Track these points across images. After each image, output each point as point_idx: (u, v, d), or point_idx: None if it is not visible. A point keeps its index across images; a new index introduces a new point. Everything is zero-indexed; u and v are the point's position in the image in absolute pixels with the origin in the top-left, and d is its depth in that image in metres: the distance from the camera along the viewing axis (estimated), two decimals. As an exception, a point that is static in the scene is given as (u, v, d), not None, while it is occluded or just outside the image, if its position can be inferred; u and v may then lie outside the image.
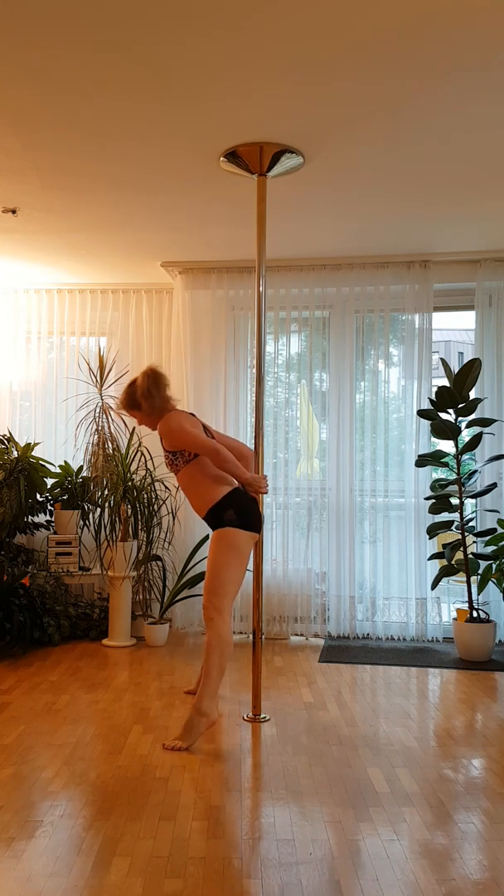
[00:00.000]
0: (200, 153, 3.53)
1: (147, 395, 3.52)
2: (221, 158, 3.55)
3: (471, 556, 4.77)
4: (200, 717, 3.23)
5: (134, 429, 5.32)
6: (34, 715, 3.60)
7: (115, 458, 5.13)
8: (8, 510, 4.92)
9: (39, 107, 3.09)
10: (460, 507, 4.78)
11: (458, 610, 4.92)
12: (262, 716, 3.59)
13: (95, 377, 5.44)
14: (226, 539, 3.42)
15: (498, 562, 4.63)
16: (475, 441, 4.74)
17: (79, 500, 5.35)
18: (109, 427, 5.30)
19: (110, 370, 5.46)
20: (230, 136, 3.36)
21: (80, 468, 5.36)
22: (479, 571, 4.74)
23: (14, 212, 4.24)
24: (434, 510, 4.82)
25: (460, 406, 4.76)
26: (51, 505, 5.44)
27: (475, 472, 4.90)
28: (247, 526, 3.45)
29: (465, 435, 5.08)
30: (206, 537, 5.10)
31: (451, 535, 4.94)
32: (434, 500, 4.83)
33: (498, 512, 5.05)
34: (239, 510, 3.45)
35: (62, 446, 5.68)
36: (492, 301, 5.20)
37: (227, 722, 3.54)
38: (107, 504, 4.99)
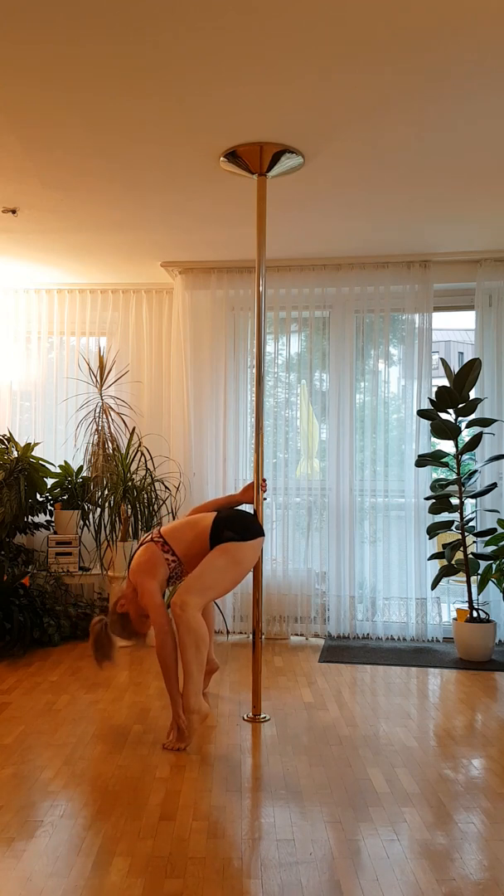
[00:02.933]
0: (200, 153, 3.53)
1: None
2: (221, 158, 3.55)
3: (471, 556, 4.77)
4: (191, 714, 3.22)
5: (134, 429, 5.32)
6: (34, 715, 3.60)
7: (115, 458, 5.13)
8: (8, 510, 4.92)
9: (39, 107, 3.09)
10: (460, 507, 4.78)
11: (458, 610, 4.92)
12: (262, 716, 3.59)
13: (95, 377, 5.44)
14: (228, 552, 3.40)
15: (498, 562, 4.63)
16: (475, 441, 4.74)
17: (79, 500, 5.35)
18: (109, 427, 5.30)
19: (110, 370, 5.46)
20: (230, 136, 3.36)
21: (80, 468, 5.36)
22: (479, 571, 4.74)
23: (14, 212, 4.25)
24: (434, 510, 4.82)
25: (460, 406, 4.76)
26: (51, 505, 5.44)
27: (475, 472, 4.90)
28: (247, 536, 3.44)
29: (465, 435, 5.08)
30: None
31: (451, 535, 4.94)
32: (434, 500, 4.83)
33: (498, 512, 5.05)
34: (232, 526, 3.45)
35: (62, 446, 5.68)
36: (492, 301, 5.20)
37: (226, 722, 3.54)
38: (107, 504, 4.99)
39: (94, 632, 3.50)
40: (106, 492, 5.01)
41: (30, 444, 5.29)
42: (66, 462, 5.48)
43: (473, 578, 4.84)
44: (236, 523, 3.46)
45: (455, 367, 15.71)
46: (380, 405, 5.28)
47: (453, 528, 4.81)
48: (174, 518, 5.28)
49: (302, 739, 3.32)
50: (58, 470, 5.48)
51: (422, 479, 5.16)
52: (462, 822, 2.56)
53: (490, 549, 4.83)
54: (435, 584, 4.86)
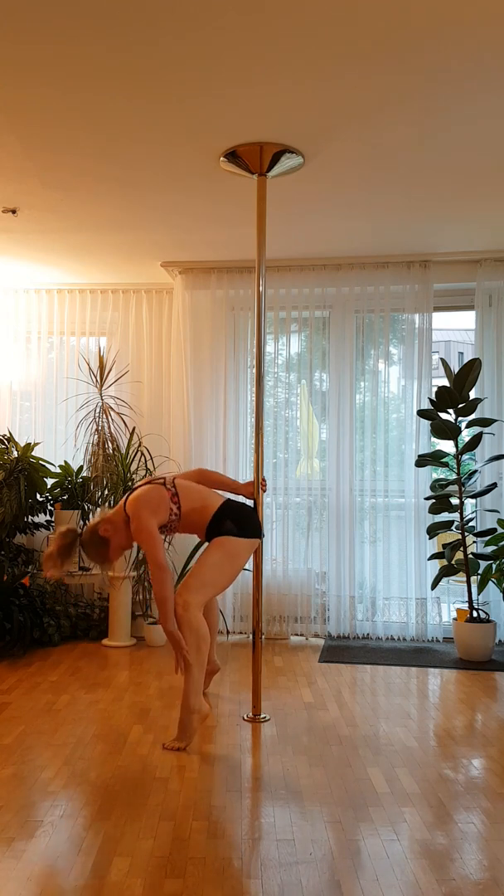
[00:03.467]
0: (200, 153, 3.53)
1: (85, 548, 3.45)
2: (221, 158, 3.55)
3: (471, 556, 4.77)
4: (191, 714, 3.22)
5: (134, 429, 5.32)
6: (34, 715, 3.60)
7: (115, 458, 5.12)
8: (8, 510, 4.92)
9: (40, 107, 3.09)
10: (460, 507, 4.78)
11: (458, 610, 4.92)
12: (262, 716, 3.59)
13: (95, 377, 5.44)
14: (224, 546, 3.40)
15: (498, 562, 4.63)
16: (475, 441, 4.74)
17: (79, 500, 5.35)
18: (109, 427, 5.30)
19: (110, 370, 5.46)
20: (230, 136, 3.36)
21: (80, 468, 5.36)
22: (479, 571, 4.74)
23: (14, 212, 4.24)
24: (434, 510, 4.82)
25: (460, 406, 4.76)
26: (51, 505, 5.44)
27: (475, 472, 4.90)
28: (246, 533, 3.44)
29: (465, 435, 5.08)
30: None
31: (451, 535, 4.94)
32: (434, 500, 4.83)
33: (498, 512, 5.05)
34: (236, 519, 3.44)
35: (62, 446, 5.68)
36: (492, 301, 5.20)
37: (226, 722, 3.54)
38: (107, 504, 4.99)
39: (68, 537, 3.38)
40: (106, 492, 5.01)
41: (30, 444, 5.29)
42: (66, 462, 5.47)
43: (473, 578, 4.84)
44: (240, 517, 3.46)
45: (455, 367, 15.69)
46: (380, 405, 5.28)
47: (453, 528, 4.81)
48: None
49: (302, 739, 3.32)
50: (58, 470, 5.48)
51: (422, 479, 5.16)
52: (462, 822, 2.56)
53: (490, 549, 4.83)
54: (435, 584, 4.86)
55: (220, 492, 3.64)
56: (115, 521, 3.43)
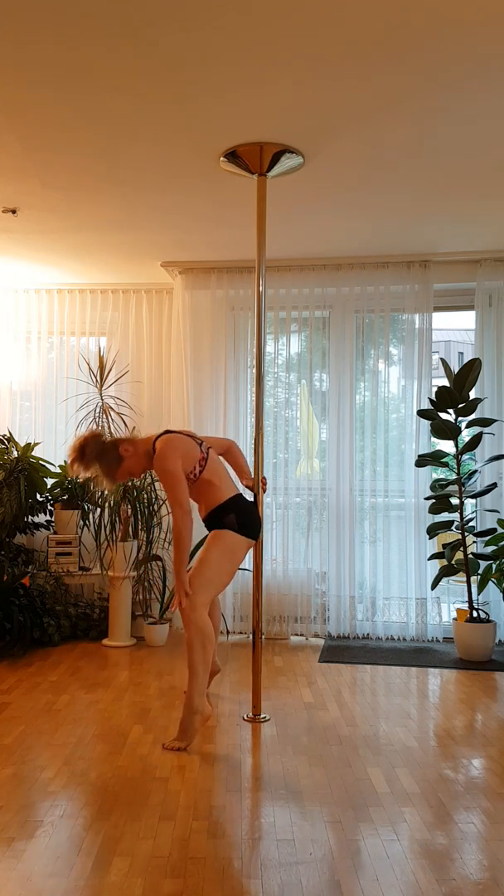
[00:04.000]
0: (200, 153, 3.53)
1: (98, 458, 3.43)
2: (221, 158, 3.55)
3: (471, 556, 4.77)
4: (193, 714, 3.22)
5: (134, 429, 5.31)
6: (34, 715, 3.60)
7: (115, 458, 5.12)
8: (8, 510, 4.92)
9: (39, 107, 3.09)
10: (460, 507, 4.78)
11: (458, 610, 4.92)
12: (262, 716, 3.59)
13: (95, 377, 5.44)
14: (223, 540, 3.42)
15: (498, 562, 4.63)
16: (475, 441, 4.74)
17: (79, 500, 5.35)
18: (109, 427, 5.30)
19: (110, 370, 5.46)
20: (230, 136, 3.36)
21: (80, 468, 5.35)
22: (479, 571, 4.74)
23: (14, 212, 4.24)
24: (434, 510, 4.82)
25: (460, 406, 4.76)
26: (51, 505, 5.44)
27: (475, 472, 4.90)
28: (245, 532, 3.45)
29: (465, 435, 5.08)
30: (206, 537, 5.09)
31: (451, 535, 4.94)
32: (434, 500, 4.83)
33: (498, 512, 5.05)
34: (240, 515, 3.46)
35: (62, 446, 5.67)
36: (492, 301, 5.20)
37: (226, 722, 3.54)
38: (107, 504, 4.99)
39: (95, 433, 3.42)
40: (106, 492, 5.01)
41: (30, 444, 5.29)
42: (66, 462, 5.47)
43: (473, 578, 4.84)
44: (244, 515, 3.47)
45: (455, 367, 15.68)
46: (380, 405, 5.28)
47: (453, 528, 4.81)
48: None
49: (302, 739, 3.32)
50: (58, 470, 5.48)
51: (422, 479, 5.16)
52: (462, 822, 2.56)
53: (490, 549, 4.83)
54: (435, 584, 4.86)
55: (236, 483, 3.67)
56: (138, 446, 3.45)
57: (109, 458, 3.42)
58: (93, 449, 3.39)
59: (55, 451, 5.68)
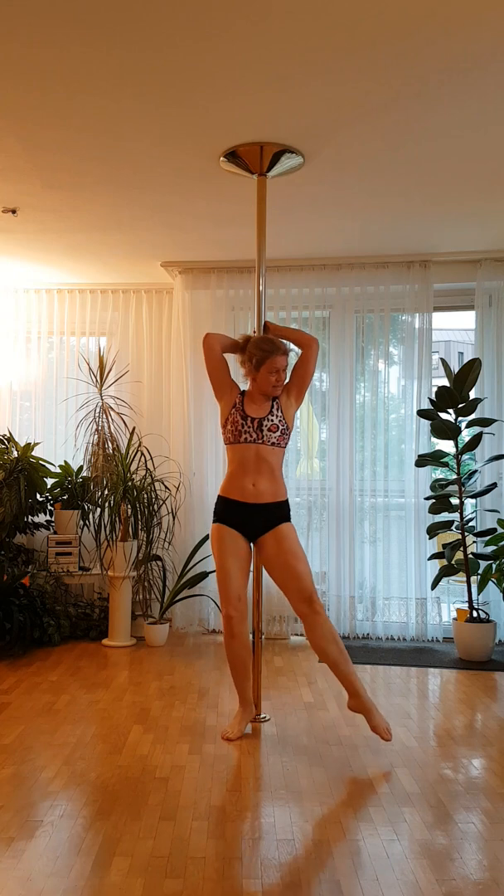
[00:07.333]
0: (200, 153, 3.53)
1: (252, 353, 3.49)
2: (221, 158, 3.55)
3: (471, 556, 4.77)
4: (363, 698, 3.28)
5: (134, 428, 5.31)
6: (34, 715, 3.60)
7: (115, 458, 5.12)
8: (8, 510, 4.92)
9: (39, 107, 3.09)
10: (460, 507, 4.78)
11: (458, 610, 4.92)
12: (263, 716, 3.59)
13: (95, 377, 5.44)
14: (295, 533, 3.49)
15: (498, 562, 4.63)
16: (475, 441, 4.74)
17: (79, 500, 5.35)
18: (109, 427, 5.30)
19: (110, 370, 5.46)
20: (230, 136, 3.36)
21: (80, 468, 5.36)
22: (479, 571, 4.74)
23: (14, 212, 4.24)
24: (434, 510, 4.82)
25: (460, 406, 4.76)
26: (51, 505, 5.44)
27: (475, 472, 4.90)
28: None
29: (465, 435, 5.08)
30: (206, 537, 5.09)
31: (451, 535, 4.94)
32: (434, 500, 4.83)
33: (498, 512, 5.05)
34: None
35: (62, 446, 5.67)
36: (492, 301, 5.20)
37: (227, 722, 3.54)
38: (107, 504, 4.98)
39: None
40: (106, 492, 5.01)
41: (30, 444, 5.29)
42: (66, 462, 5.47)
43: (473, 578, 4.84)
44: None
45: (455, 367, 15.67)
46: (379, 405, 5.28)
47: (453, 528, 4.81)
48: (174, 518, 5.26)
49: (302, 739, 3.32)
50: (58, 470, 5.48)
51: (422, 479, 5.16)
52: (462, 822, 2.56)
53: (490, 549, 4.83)
54: (435, 584, 4.86)
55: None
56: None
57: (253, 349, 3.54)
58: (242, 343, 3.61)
59: (55, 451, 5.68)
